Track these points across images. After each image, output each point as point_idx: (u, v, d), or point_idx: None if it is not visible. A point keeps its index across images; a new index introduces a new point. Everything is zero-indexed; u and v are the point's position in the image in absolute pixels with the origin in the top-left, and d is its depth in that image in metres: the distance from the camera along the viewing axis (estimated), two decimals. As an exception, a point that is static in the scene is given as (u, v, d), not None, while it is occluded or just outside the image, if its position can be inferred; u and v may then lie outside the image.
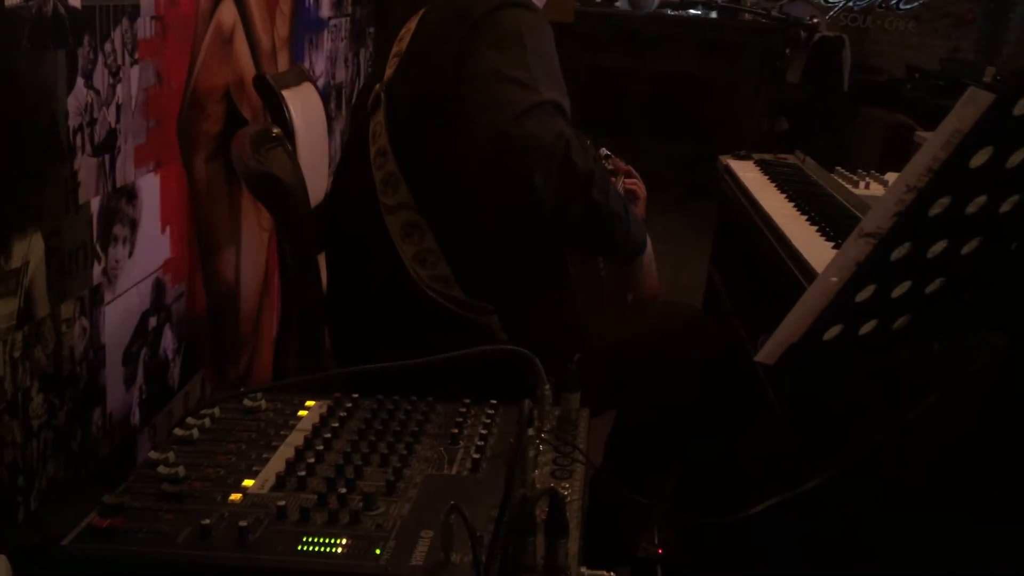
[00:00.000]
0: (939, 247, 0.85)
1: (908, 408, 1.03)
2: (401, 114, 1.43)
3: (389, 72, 1.46)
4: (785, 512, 1.01)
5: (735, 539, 1.56)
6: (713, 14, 5.24)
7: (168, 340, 1.73)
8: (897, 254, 0.82)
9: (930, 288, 0.90)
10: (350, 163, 1.56)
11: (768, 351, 0.88)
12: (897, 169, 1.88)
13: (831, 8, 6.46)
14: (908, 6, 6.64)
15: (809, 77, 5.05)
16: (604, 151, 2.13)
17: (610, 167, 2.01)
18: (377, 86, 1.48)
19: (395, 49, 1.49)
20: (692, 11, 5.26)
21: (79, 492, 1.38)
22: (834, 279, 0.82)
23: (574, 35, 4.81)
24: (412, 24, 1.49)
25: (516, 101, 1.21)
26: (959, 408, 1.06)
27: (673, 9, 5.26)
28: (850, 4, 6.68)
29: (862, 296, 0.85)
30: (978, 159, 0.77)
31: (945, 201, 0.80)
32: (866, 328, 0.90)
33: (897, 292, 0.87)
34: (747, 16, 4.98)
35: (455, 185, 1.35)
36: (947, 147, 0.76)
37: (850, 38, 5.58)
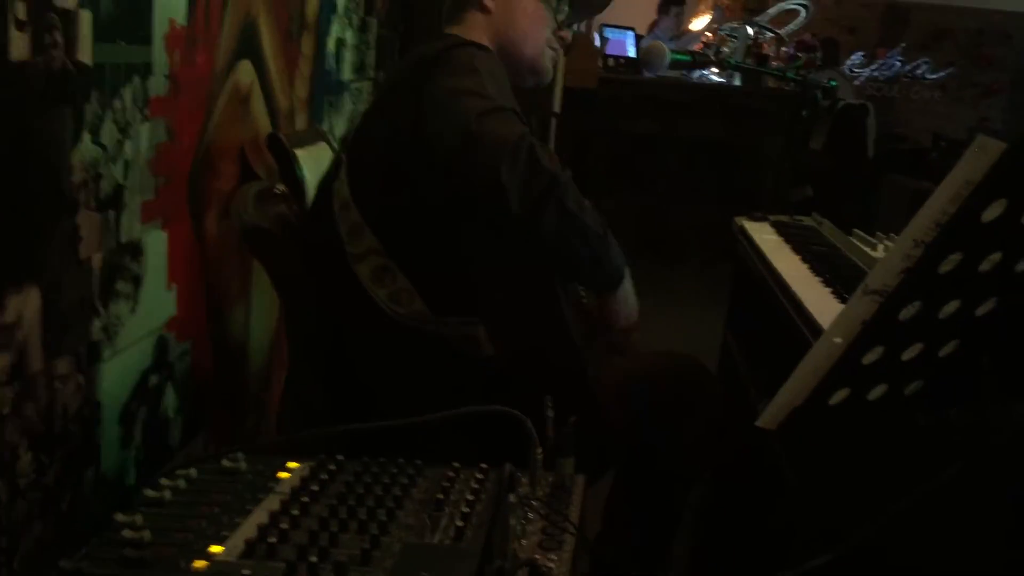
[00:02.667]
0: (952, 307, 0.80)
1: (926, 481, 0.96)
2: (363, 163, 1.47)
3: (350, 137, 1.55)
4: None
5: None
6: (737, 80, 5.26)
7: (170, 399, 1.70)
8: (906, 313, 0.77)
9: (944, 351, 0.85)
10: (314, 229, 1.57)
11: (770, 415, 0.83)
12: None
13: (856, 78, 6.48)
14: (934, 76, 6.65)
15: (833, 145, 5.03)
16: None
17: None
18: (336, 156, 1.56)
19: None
20: (715, 77, 5.29)
21: (67, 555, 1.33)
22: (838, 339, 0.78)
23: (598, 101, 4.84)
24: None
25: (476, 107, 1.26)
26: (980, 482, 0.99)
27: (689, 72, 5.28)
28: (875, 74, 6.70)
29: (869, 358, 0.80)
30: (990, 213, 0.73)
31: (956, 258, 0.75)
32: (876, 393, 0.85)
33: (908, 355, 0.82)
34: (772, 83, 5.00)
35: (420, 222, 1.38)
36: (956, 199, 0.72)
37: (876, 107, 5.57)
